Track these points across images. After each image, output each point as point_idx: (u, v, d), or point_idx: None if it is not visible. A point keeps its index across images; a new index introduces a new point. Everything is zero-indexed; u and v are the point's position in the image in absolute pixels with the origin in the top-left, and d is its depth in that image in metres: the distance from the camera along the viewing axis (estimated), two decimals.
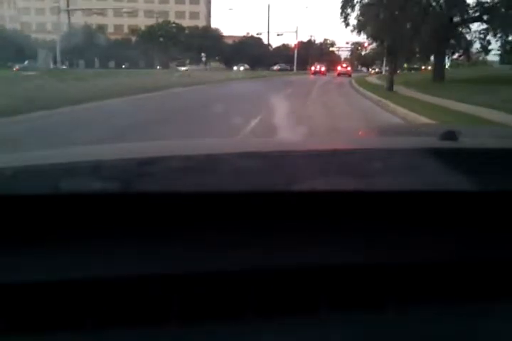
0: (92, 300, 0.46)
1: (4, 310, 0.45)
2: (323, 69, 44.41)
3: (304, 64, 57.58)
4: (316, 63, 48.38)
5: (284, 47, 67.34)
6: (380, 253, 0.51)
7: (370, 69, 73.73)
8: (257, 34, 59.52)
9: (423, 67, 60.50)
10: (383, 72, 55.55)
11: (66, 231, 0.51)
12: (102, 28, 57.74)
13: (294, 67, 54.90)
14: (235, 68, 52.64)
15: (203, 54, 51.06)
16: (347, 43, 59.61)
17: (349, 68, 44.63)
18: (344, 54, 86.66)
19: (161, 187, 0.51)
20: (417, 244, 0.52)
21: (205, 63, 51.62)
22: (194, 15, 68.02)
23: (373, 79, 28.17)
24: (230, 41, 61.84)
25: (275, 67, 56.68)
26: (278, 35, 64.94)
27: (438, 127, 1.76)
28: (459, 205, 0.55)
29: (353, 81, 26.14)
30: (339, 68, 44.21)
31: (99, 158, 0.63)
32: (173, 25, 56.24)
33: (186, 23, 60.47)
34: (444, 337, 0.45)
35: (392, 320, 0.47)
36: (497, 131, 1.59)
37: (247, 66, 54.96)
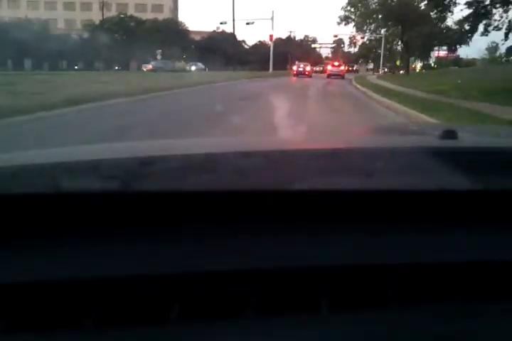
0: (92, 300, 0.46)
1: (4, 310, 0.45)
2: (308, 68, 35.68)
3: (283, 63, 50.41)
4: (298, 62, 38.77)
5: (261, 44, 60.47)
6: (380, 253, 0.51)
7: (356, 68, 66.94)
8: (221, 23, 48.32)
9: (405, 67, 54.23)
10: (379, 71, 50.25)
11: (66, 231, 0.51)
12: (49, 22, 49.55)
13: (270, 67, 44.21)
14: (187, 68, 41.95)
15: (158, 51, 43.08)
16: (335, 37, 51.04)
17: (342, 67, 35.91)
18: (325, 52, 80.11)
19: (161, 186, 0.51)
20: (417, 244, 0.52)
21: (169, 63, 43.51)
22: (157, 8, 60.10)
23: (382, 82, 21.05)
24: (198, 37, 54.44)
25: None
26: (248, 23, 46.38)
27: (438, 126, 1.73)
28: (459, 204, 0.55)
29: (360, 86, 18.82)
30: (329, 68, 35.76)
31: (99, 157, 0.63)
32: (129, 18, 48.24)
33: (148, 17, 52.83)
34: (444, 337, 0.45)
35: (393, 320, 0.47)
36: (497, 130, 1.59)
37: (201, 65, 43.83)
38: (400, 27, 28.52)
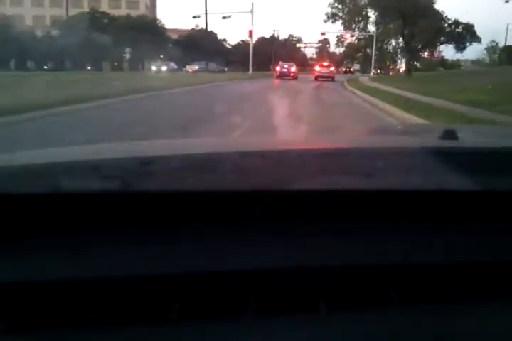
0: (92, 300, 0.46)
1: (4, 310, 0.45)
2: (293, 69, 31.32)
3: (266, 64, 47.47)
4: (282, 62, 33.86)
5: (244, 44, 57.52)
6: (380, 253, 0.51)
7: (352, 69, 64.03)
8: (193, 17, 42.33)
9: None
10: (371, 73, 47.40)
11: (66, 231, 0.51)
12: (15, 19, 45.81)
13: (250, 67, 39.89)
14: (153, 68, 37.71)
15: (126, 49, 39.63)
16: (322, 34, 47.12)
17: (332, 68, 31.90)
18: (310, 52, 77.50)
19: (160, 186, 0.51)
20: (417, 244, 0.53)
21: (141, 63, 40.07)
22: (132, 5, 56.54)
23: (383, 86, 17.87)
24: (176, 35, 51.21)
25: (189, 67, 39.75)
26: (224, 17, 40.62)
27: (438, 126, 1.63)
28: (459, 205, 0.55)
29: (360, 92, 15.50)
30: (317, 68, 31.81)
31: (99, 157, 0.64)
32: (100, 14, 44.73)
33: (122, 14, 49.45)
34: (444, 337, 0.45)
35: (393, 320, 0.47)
36: (497, 130, 1.58)
37: (173, 65, 39.22)
38: (400, 21, 25.40)
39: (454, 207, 0.55)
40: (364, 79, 29.94)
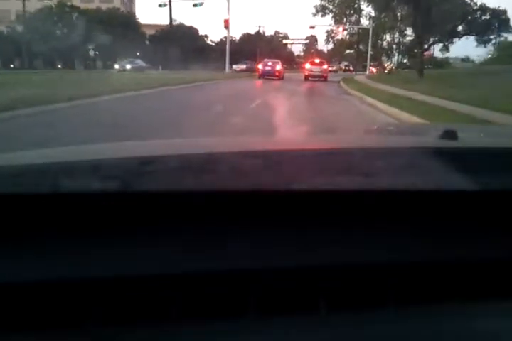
0: (92, 300, 0.47)
1: (4, 309, 0.45)
2: (278, 68, 26.20)
3: (251, 61, 44.04)
4: (266, 59, 28.70)
5: (230, 41, 54.04)
6: (380, 253, 0.51)
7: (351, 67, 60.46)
8: (159, 6, 36.83)
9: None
10: (367, 71, 43.72)
11: (65, 231, 0.51)
12: None
13: (226, 65, 35.31)
14: (116, 67, 33.84)
15: (90, 46, 35.73)
16: (311, 28, 42.40)
17: (325, 66, 26.99)
18: (298, 50, 74.26)
19: (160, 186, 0.51)
20: (417, 244, 0.53)
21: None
22: None
23: (397, 89, 14.05)
24: (152, 31, 47.53)
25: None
26: (195, 5, 36.07)
27: (438, 126, 1.69)
28: (459, 204, 0.56)
29: (372, 99, 10.91)
30: (308, 66, 26.88)
31: (99, 157, 0.64)
32: (69, 8, 40.81)
33: (96, 8, 45.62)
34: (444, 337, 0.45)
35: (393, 319, 0.47)
36: (497, 130, 1.57)
37: (141, 63, 34.41)
38: (405, 11, 21.17)
39: (453, 207, 0.55)
40: (361, 78, 26.29)
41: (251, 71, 35.32)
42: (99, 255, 0.49)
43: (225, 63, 36.51)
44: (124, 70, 31.13)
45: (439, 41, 24.25)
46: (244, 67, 43.33)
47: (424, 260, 0.51)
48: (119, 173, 0.51)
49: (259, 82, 22.11)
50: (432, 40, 24.34)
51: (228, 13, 34.45)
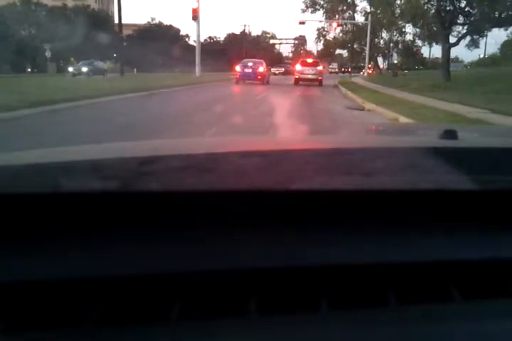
0: (92, 300, 0.47)
1: (4, 310, 0.45)
2: (260, 70, 20.95)
3: (236, 63, 40.66)
4: (245, 60, 23.37)
5: (214, 42, 50.77)
6: (380, 253, 0.51)
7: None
8: None
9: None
10: (363, 73, 39.98)
11: (65, 231, 0.51)
12: None
13: (197, 67, 28.68)
14: (70, 69, 29.43)
15: (45, 47, 31.65)
16: (301, 23, 37.39)
17: (320, 67, 22.32)
18: (286, 51, 70.94)
19: (161, 186, 0.51)
20: (417, 243, 0.53)
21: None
22: None
23: (420, 99, 10.66)
24: (129, 31, 43.89)
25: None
26: None
27: (438, 126, 1.70)
28: (459, 204, 0.56)
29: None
30: (298, 68, 22.22)
31: (99, 157, 0.64)
32: (35, 5, 36.96)
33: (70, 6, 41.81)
34: (444, 337, 0.45)
35: (393, 319, 0.47)
36: (497, 130, 1.58)
37: (100, 65, 30.67)
38: None
39: (453, 207, 0.55)
40: (362, 82, 22.89)
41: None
42: (99, 255, 0.49)
43: (208, 64, 32.44)
44: (80, 73, 27.10)
45: (474, 32, 18.98)
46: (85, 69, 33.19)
47: (424, 260, 0.51)
48: (119, 173, 0.51)
49: (233, 90, 17.26)
50: (463, 29, 19.16)
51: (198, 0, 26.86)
